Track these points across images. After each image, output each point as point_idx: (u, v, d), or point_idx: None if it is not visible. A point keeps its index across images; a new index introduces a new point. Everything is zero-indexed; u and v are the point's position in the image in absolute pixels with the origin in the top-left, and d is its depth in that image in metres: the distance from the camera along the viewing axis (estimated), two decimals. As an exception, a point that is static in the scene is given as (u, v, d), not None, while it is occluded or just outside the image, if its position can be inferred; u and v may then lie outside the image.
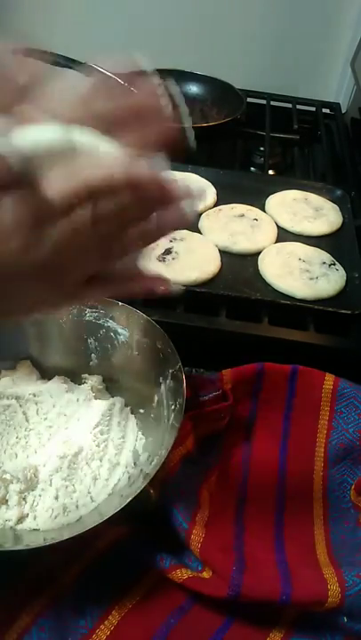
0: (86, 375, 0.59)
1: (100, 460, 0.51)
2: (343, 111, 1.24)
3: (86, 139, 0.30)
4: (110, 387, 0.59)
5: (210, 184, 0.87)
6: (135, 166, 0.30)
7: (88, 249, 0.30)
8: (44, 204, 0.27)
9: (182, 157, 0.36)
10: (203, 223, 0.80)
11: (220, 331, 0.65)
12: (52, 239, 0.28)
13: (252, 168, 1.06)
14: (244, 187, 0.88)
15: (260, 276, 0.72)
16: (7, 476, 0.49)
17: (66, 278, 0.32)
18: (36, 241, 0.28)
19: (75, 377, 0.59)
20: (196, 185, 0.34)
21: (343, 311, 0.67)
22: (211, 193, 0.85)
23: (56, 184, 0.28)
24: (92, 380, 0.58)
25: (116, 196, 0.29)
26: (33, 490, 0.49)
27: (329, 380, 0.58)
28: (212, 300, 0.68)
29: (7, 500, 0.48)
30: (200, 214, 0.81)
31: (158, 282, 0.37)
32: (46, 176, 0.28)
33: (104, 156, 0.30)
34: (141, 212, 0.32)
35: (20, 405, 0.55)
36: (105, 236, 0.31)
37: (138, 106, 0.34)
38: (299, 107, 1.18)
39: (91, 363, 0.59)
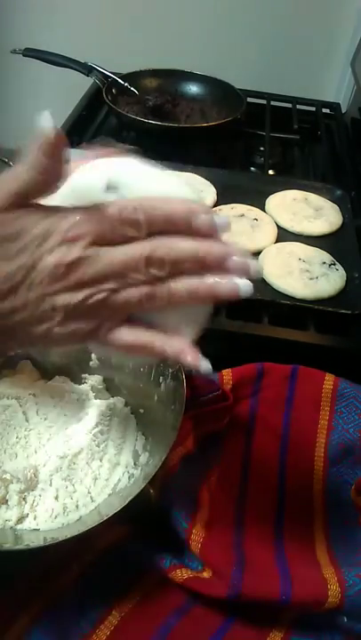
0: (86, 375, 0.59)
1: (100, 460, 0.51)
2: (343, 111, 1.24)
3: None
4: (110, 387, 0.59)
5: (210, 184, 0.87)
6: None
7: None
8: None
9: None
10: (203, 223, 0.79)
11: (221, 331, 0.65)
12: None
13: (252, 168, 1.06)
14: (244, 187, 0.88)
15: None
16: (7, 476, 0.48)
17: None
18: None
19: (75, 377, 0.59)
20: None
21: (343, 311, 0.67)
22: (211, 193, 0.85)
23: None
24: (92, 380, 0.58)
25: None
26: (33, 490, 0.49)
27: (329, 380, 0.58)
28: (212, 299, 0.68)
29: (7, 500, 0.48)
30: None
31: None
32: None
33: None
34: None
35: (20, 405, 0.55)
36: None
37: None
38: (299, 107, 1.18)
39: (91, 363, 0.59)
